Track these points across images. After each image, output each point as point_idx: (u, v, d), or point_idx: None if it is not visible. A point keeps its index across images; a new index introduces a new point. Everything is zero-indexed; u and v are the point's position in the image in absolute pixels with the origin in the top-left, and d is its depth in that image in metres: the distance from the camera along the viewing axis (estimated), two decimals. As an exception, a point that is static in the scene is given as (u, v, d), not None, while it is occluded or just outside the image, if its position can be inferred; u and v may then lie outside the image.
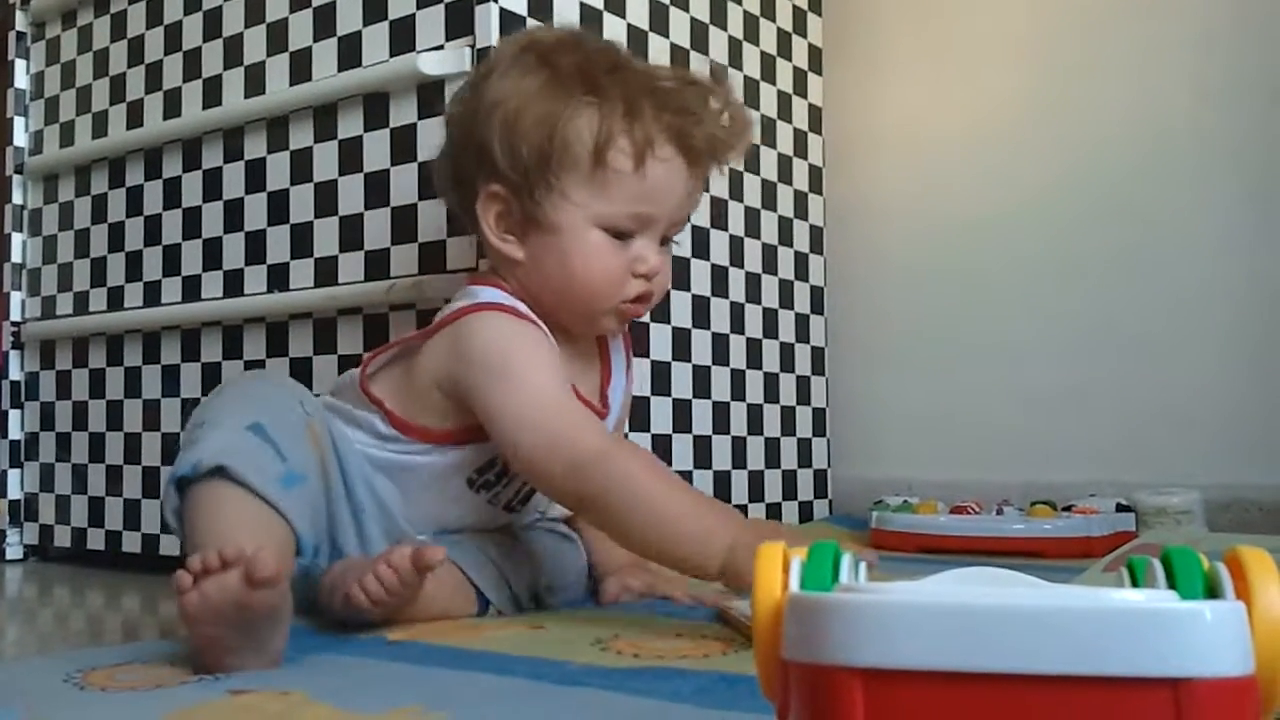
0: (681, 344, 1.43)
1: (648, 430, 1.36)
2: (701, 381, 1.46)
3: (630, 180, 0.83)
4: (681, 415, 1.42)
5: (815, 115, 1.74)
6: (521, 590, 0.90)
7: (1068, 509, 1.44)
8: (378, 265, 1.24)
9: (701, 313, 1.47)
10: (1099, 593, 0.34)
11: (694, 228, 1.45)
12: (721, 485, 1.49)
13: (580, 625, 0.82)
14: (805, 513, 1.67)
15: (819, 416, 1.72)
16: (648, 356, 1.37)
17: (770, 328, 1.61)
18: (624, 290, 0.87)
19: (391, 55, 1.24)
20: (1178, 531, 0.94)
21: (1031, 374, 1.66)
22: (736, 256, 1.54)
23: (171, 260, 1.44)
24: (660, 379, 1.39)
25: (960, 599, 0.34)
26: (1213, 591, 0.35)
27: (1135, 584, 0.38)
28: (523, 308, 0.89)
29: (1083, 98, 1.63)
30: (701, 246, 1.47)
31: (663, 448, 1.38)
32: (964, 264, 1.71)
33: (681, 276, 1.43)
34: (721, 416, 1.50)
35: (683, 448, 1.42)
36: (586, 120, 0.83)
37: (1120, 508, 1.43)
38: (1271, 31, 1.51)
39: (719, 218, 1.51)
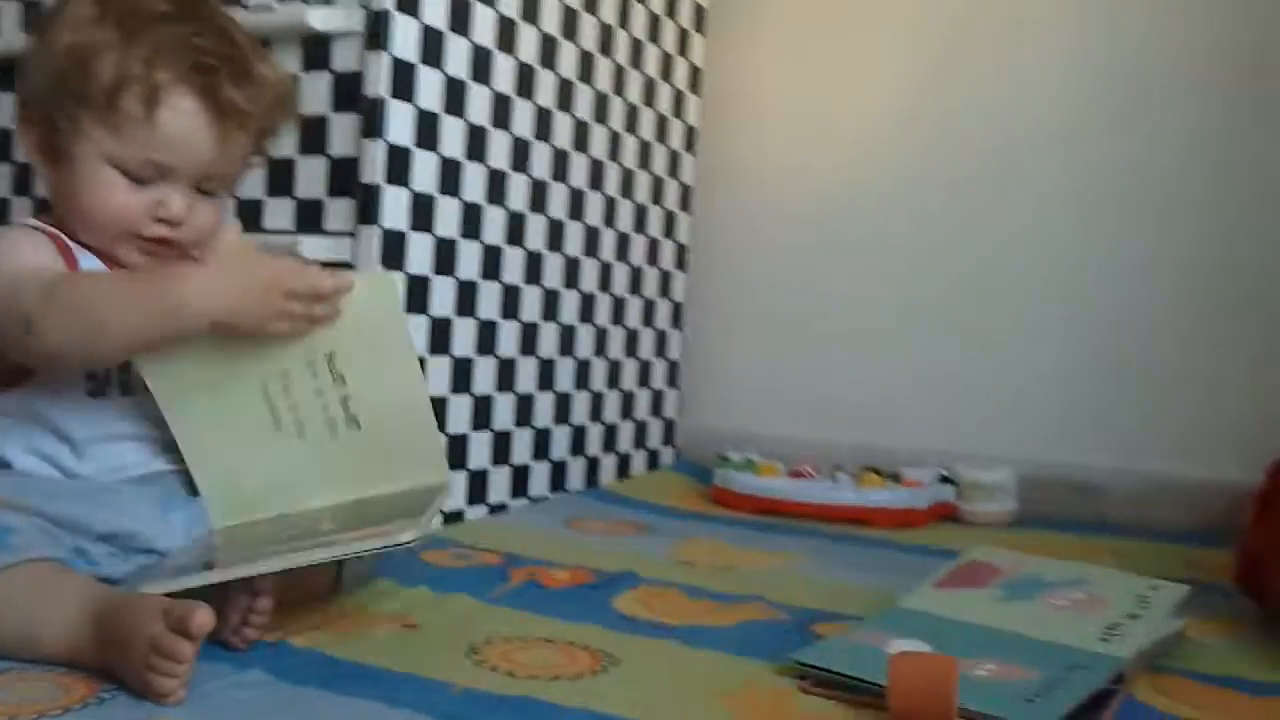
0: (551, 305, 1.47)
1: (512, 389, 1.40)
2: (567, 341, 1.51)
3: (142, 126, 0.86)
4: (546, 375, 1.47)
5: (695, 76, 1.77)
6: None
7: (895, 477, 1.56)
8: (250, 218, 1.23)
9: (572, 274, 1.51)
10: None
11: (571, 190, 1.48)
12: (578, 439, 1.55)
13: (451, 622, 0.86)
14: (653, 460, 1.75)
15: (673, 369, 1.79)
16: (517, 319, 1.40)
17: (635, 284, 1.66)
18: (140, 229, 0.89)
19: (281, 3, 1.22)
20: (1002, 554, 1.04)
21: (875, 342, 1.76)
22: (610, 217, 1.58)
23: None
24: (527, 340, 1.43)
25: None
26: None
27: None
28: (42, 224, 0.91)
29: (957, 76, 1.70)
30: (577, 208, 1.50)
31: (525, 407, 1.43)
32: (823, 231, 1.79)
33: (556, 238, 1.46)
34: (583, 373, 1.55)
35: (545, 405, 1.47)
36: (109, 60, 0.86)
37: (942, 479, 1.56)
38: (1145, 8, 1.60)
39: (596, 179, 1.53)
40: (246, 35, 0.95)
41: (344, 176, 1.20)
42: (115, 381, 0.92)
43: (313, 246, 1.19)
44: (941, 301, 1.71)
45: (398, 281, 1.02)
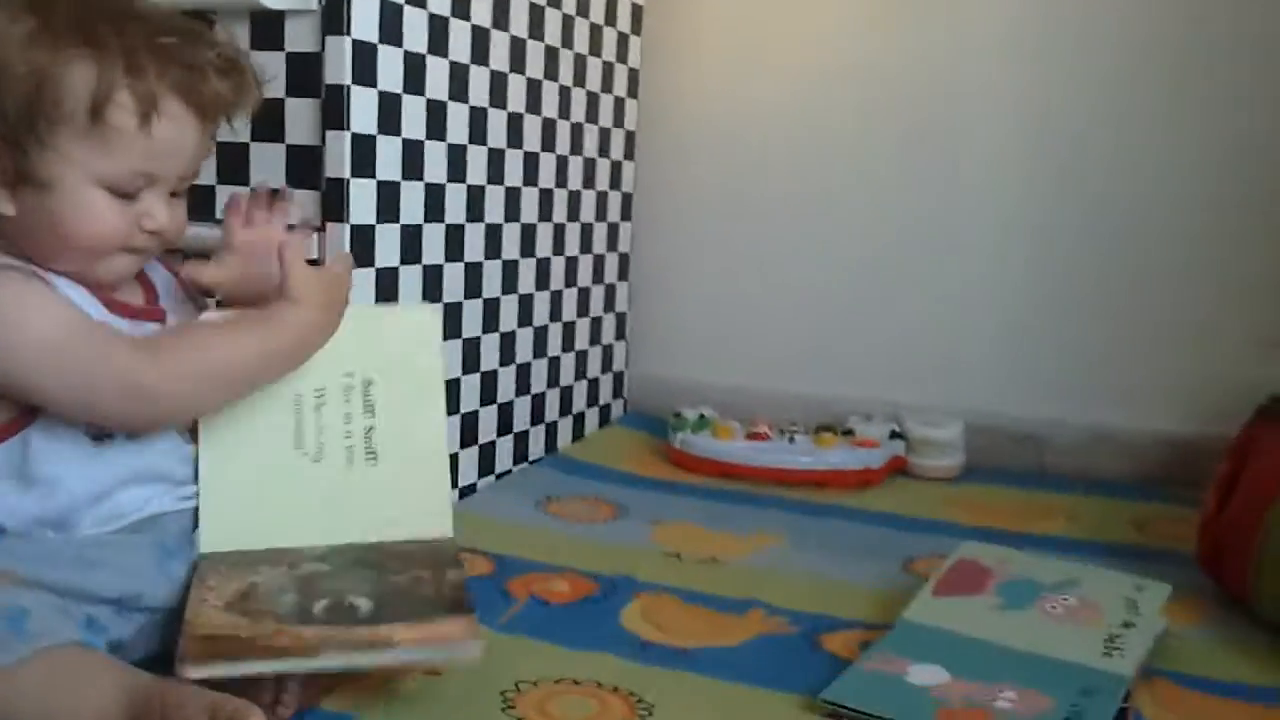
0: (510, 277, 1.43)
1: (477, 368, 1.37)
2: (525, 311, 1.48)
3: (135, 138, 0.81)
4: (507, 348, 1.44)
5: (637, 15, 1.71)
6: None
7: (848, 433, 1.58)
8: (203, 207, 1.16)
9: (529, 242, 1.47)
10: None
11: (525, 154, 1.43)
12: (538, 407, 1.53)
13: (493, 658, 0.84)
14: (605, 416, 1.75)
15: (620, 321, 1.77)
16: (480, 297, 1.36)
17: (586, 242, 1.63)
18: (128, 243, 0.85)
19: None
20: (996, 550, 1.07)
21: (820, 293, 1.77)
22: (562, 177, 1.53)
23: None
24: (489, 317, 1.39)
25: None
26: None
27: None
28: (12, 261, 0.83)
29: (905, 23, 1.67)
30: (531, 174, 1.45)
31: (490, 384, 1.41)
32: (769, 179, 1.77)
33: (514, 207, 1.42)
34: (540, 341, 1.52)
35: (507, 380, 1.45)
36: (82, 73, 0.79)
37: (893, 434, 1.59)
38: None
39: (549, 140, 1.48)
40: (190, 20, 0.88)
41: (305, 167, 1.14)
42: None
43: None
44: (887, 252, 1.72)
45: (438, 316, 1.00)
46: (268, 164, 1.15)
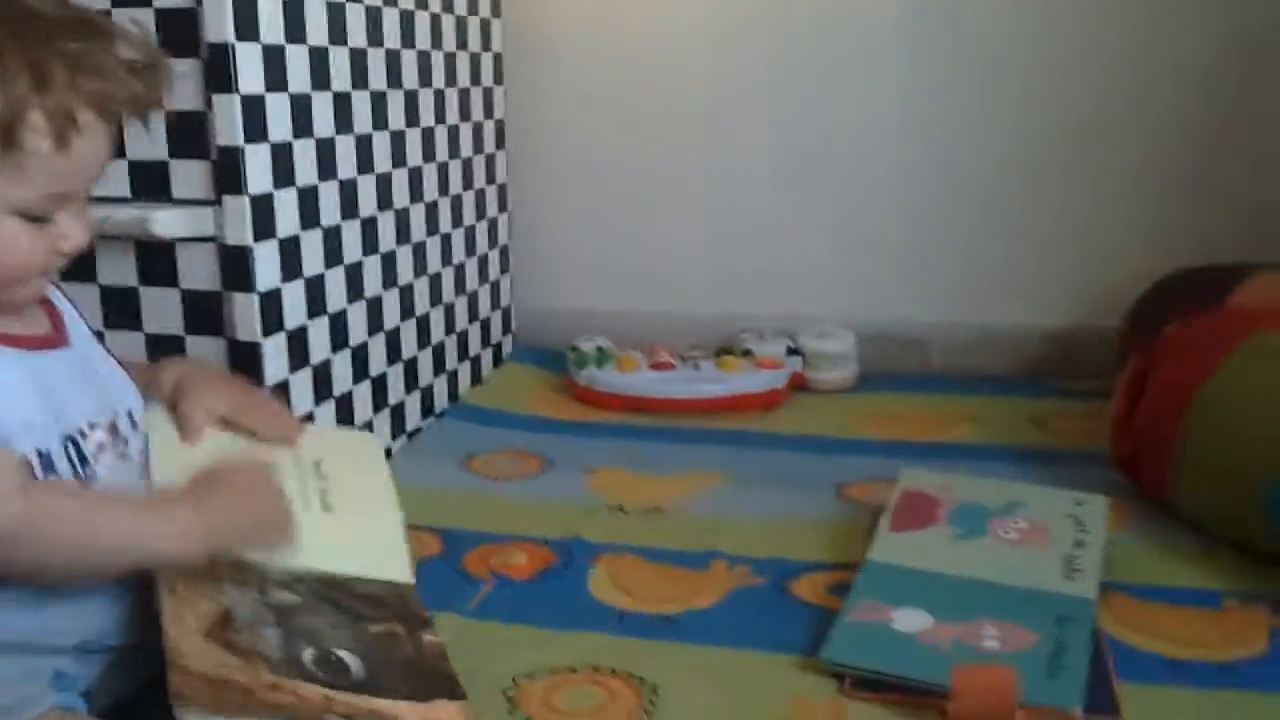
0: (404, 227, 1.36)
1: (381, 329, 1.31)
2: (420, 259, 1.41)
3: (51, 162, 0.72)
4: (407, 303, 1.38)
5: (498, -70, 1.62)
6: None
7: (747, 353, 1.59)
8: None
9: (416, 186, 1.39)
10: None
11: (405, 94, 1.34)
12: (439, 357, 1.48)
13: (460, 656, 0.82)
14: (497, 355, 1.70)
15: (504, 255, 1.72)
16: (377, 252, 1.29)
17: (468, 178, 1.56)
18: (43, 269, 0.77)
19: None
20: (934, 477, 1.10)
21: (703, 208, 1.75)
22: (440, 112, 1.46)
23: None
24: (388, 272, 1.32)
25: None
26: None
27: None
28: None
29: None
30: (413, 113, 1.37)
31: (394, 342, 1.34)
32: (642, 90, 1.72)
33: (399, 153, 1.34)
34: (436, 289, 1.46)
35: (409, 334, 1.39)
36: None
37: (790, 351, 1.61)
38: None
39: (425, 75, 1.40)
40: (86, 10, 0.78)
41: (190, 135, 1.04)
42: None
43: (167, 222, 1.03)
44: (767, 164, 1.72)
45: (378, 444, 1.00)
46: (141, 137, 1.04)
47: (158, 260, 1.08)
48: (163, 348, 1.09)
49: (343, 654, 0.78)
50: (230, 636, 0.76)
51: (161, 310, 1.09)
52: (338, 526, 0.89)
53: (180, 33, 1.02)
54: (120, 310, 1.10)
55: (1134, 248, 1.59)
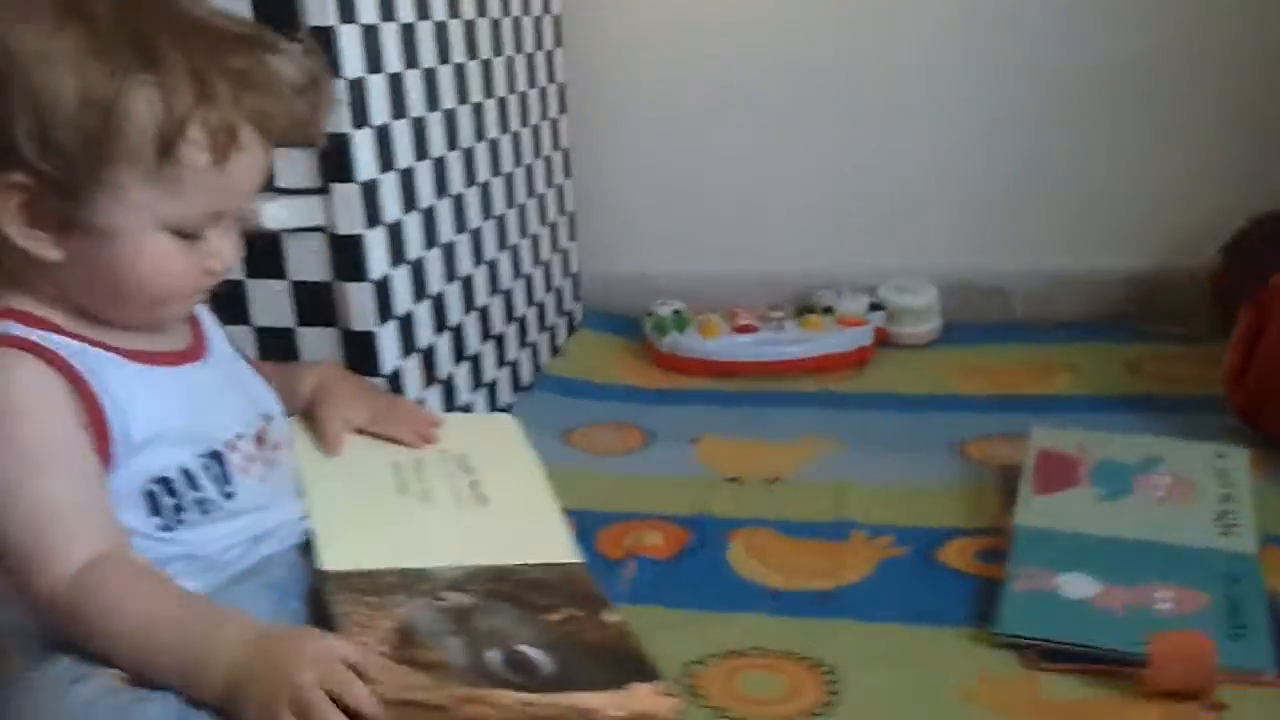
0: (487, 202, 1.33)
1: (474, 307, 1.29)
2: (502, 236, 1.38)
3: (208, 177, 0.69)
4: (495, 279, 1.35)
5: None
6: None
7: (828, 311, 1.57)
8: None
9: (496, 160, 1.36)
10: None
11: (482, 63, 1.31)
12: (522, 331, 1.45)
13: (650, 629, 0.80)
14: (571, 324, 1.68)
15: (572, 221, 1.69)
16: (466, 230, 1.27)
17: (537, 146, 1.53)
18: (194, 288, 0.75)
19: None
20: (1066, 434, 1.09)
21: (767, 158, 1.71)
22: (511, 82, 1.42)
23: None
24: (476, 251, 1.30)
25: None
26: None
27: None
28: (42, 337, 0.71)
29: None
30: (489, 84, 1.34)
31: (485, 320, 1.32)
32: (705, 42, 1.68)
33: (480, 126, 1.31)
34: (517, 263, 1.44)
35: (497, 311, 1.36)
36: (146, 103, 0.66)
37: (873, 306, 1.59)
38: None
39: (498, 42, 1.36)
40: (252, 23, 0.75)
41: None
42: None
43: (276, 213, 1.01)
44: (834, 114, 1.68)
45: (515, 423, 0.99)
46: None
47: (263, 253, 1.05)
48: (273, 341, 1.07)
49: (529, 651, 0.76)
50: (413, 653, 0.74)
51: (270, 303, 1.06)
52: (495, 517, 0.88)
53: (278, 16, 0.98)
54: (228, 305, 1.07)
55: (1213, 185, 1.56)
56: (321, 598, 0.79)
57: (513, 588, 0.82)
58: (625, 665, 0.75)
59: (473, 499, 0.89)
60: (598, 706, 0.71)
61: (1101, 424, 1.18)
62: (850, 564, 0.97)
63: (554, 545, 0.87)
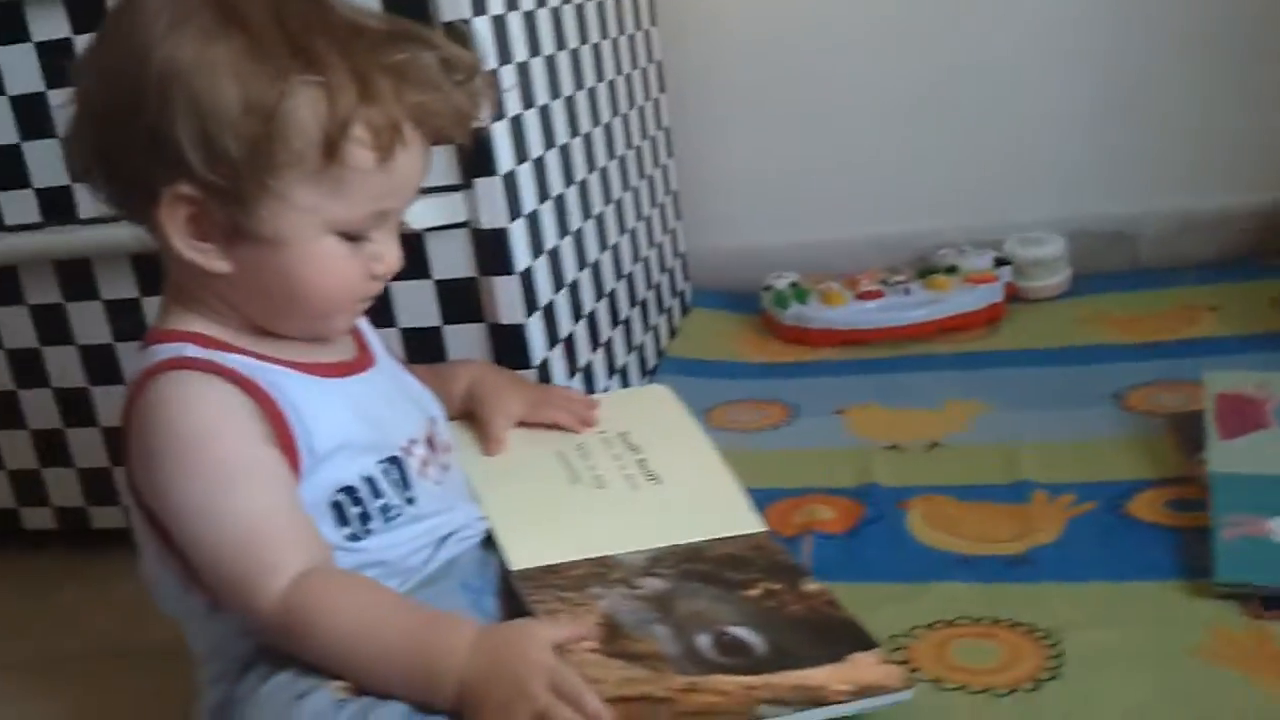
0: (607, 186, 1.31)
1: (601, 290, 1.27)
2: (621, 219, 1.37)
3: (373, 177, 0.68)
4: (619, 263, 1.34)
5: None
6: None
7: (952, 270, 1.53)
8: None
9: (611, 144, 1.34)
10: None
11: (594, 49, 1.29)
12: (644, 314, 1.44)
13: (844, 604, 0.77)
14: (684, 304, 1.66)
15: (677, 200, 1.67)
16: (592, 216, 1.25)
17: (643, 127, 1.51)
18: (361, 293, 0.75)
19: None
20: (1242, 376, 1.05)
21: (874, 121, 1.68)
22: (617, 63, 1.40)
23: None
24: (603, 235, 1.28)
25: None
26: None
27: None
28: (220, 357, 0.71)
29: None
30: (600, 67, 1.32)
31: (613, 304, 1.31)
32: (806, 16, 1.65)
33: (595, 110, 1.29)
34: (635, 246, 1.42)
35: (623, 295, 1.35)
36: (309, 104, 0.65)
37: (998, 261, 1.55)
38: None
39: (603, 25, 1.35)
40: (403, 19, 0.73)
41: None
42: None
43: (420, 213, 0.99)
44: (941, 71, 1.64)
45: (669, 392, 1.01)
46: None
47: (405, 251, 1.04)
48: (420, 341, 1.06)
49: (738, 632, 0.74)
50: (624, 645, 0.73)
51: (415, 302, 1.06)
52: (671, 493, 0.87)
53: (410, 13, 0.97)
54: (372, 310, 1.06)
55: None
56: (518, 599, 0.78)
57: (706, 566, 0.81)
58: (839, 636, 0.73)
59: (644, 477, 0.88)
60: (824, 683, 0.69)
61: (1263, 363, 1.13)
62: (1039, 525, 0.94)
63: (737, 515, 0.85)
